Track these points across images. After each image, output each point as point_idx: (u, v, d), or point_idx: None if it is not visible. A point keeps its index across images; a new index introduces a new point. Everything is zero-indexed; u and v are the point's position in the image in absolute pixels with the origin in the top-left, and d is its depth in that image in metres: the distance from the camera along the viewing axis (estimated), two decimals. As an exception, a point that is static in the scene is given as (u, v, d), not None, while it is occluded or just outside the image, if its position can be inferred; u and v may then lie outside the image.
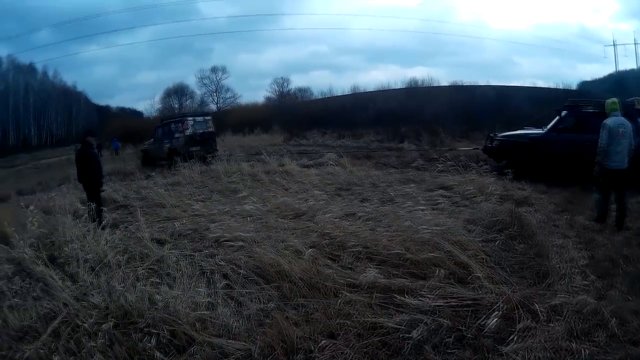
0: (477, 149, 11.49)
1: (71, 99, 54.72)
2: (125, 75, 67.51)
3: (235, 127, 32.00)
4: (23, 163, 33.04)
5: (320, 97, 44.39)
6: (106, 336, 2.96)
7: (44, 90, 52.67)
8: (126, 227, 5.48)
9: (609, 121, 5.22)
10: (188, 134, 14.47)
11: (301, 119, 29.71)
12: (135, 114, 47.21)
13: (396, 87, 37.86)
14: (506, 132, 9.80)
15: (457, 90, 32.25)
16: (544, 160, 8.20)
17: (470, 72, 68.52)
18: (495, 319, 2.94)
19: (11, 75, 50.32)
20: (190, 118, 15.22)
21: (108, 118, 45.87)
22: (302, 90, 50.11)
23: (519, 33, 60.54)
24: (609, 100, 5.45)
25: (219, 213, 6.06)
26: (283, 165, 10.43)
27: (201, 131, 14.83)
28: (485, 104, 24.29)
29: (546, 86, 31.11)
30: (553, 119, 8.70)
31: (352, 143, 19.77)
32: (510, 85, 30.04)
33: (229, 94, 50.88)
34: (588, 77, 34.56)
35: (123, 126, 33.40)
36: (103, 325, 3.04)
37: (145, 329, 3.00)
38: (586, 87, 29.89)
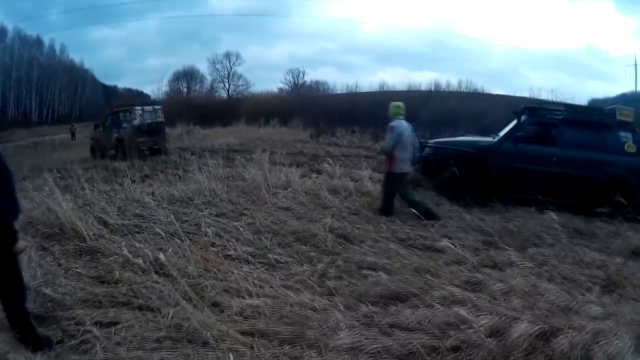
0: None
1: (77, 76, 51.89)
2: (134, 58, 65.26)
3: (249, 117, 29.37)
4: (17, 140, 29.82)
5: (343, 92, 40.66)
6: None
7: (50, 65, 49.58)
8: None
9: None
10: (136, 124, 13.84)
11: (325, 113, 26.48)
12: (141, 96, 44.50)
13: (424, 89, 34.01)
14: (442, 138, 8.22)
15: (480, 98, 29.10)
16: (493, 177, 6.19)
17: (478, 81, 64.71)
18: None
19: (16, 47, 47.11)
20: (139, 107, 14.62)
21: (114, 98, 43.26)
22: (320, 84, 46.05)
23: (530, 46, 57.84)
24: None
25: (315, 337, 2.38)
26: (358, 180, 6.78)
27: (149, 121, 14.13)
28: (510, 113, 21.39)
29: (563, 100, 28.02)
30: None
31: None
32: (523, 96, 26.82)
33: (241, 82, 47.34)
34: (599, 95, 31.87)
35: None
36: None
37: None
38: (597, 105, 27.21)
